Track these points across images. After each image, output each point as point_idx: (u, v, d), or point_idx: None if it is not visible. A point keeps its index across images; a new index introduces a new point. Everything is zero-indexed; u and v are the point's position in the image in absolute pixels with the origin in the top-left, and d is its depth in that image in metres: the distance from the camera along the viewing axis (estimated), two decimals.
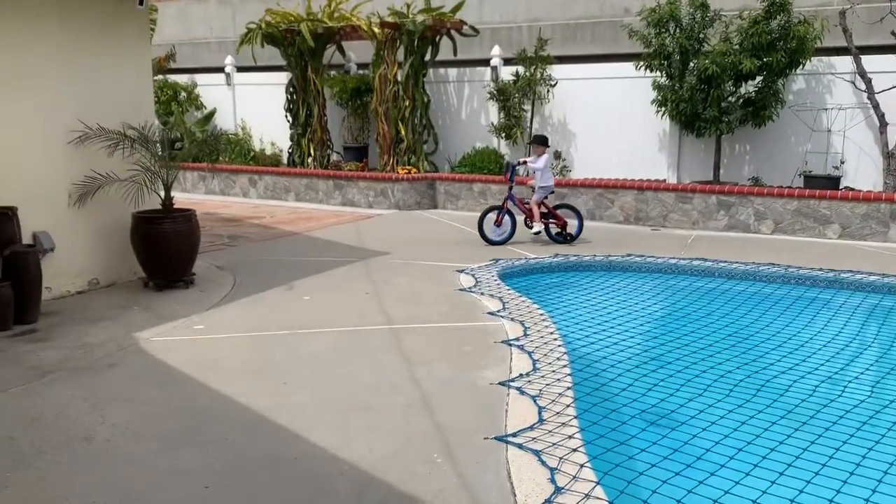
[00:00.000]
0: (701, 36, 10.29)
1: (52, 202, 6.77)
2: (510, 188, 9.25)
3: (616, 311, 6.84)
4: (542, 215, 9.17)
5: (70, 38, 6.87)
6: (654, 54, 10.45)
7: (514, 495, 3.38)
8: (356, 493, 3.44)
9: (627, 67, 11.15)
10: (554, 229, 9.24)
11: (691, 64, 10.31)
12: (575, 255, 8.43)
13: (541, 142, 9.30)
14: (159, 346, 5.53)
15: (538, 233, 9.14)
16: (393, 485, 3.51)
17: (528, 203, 9.20)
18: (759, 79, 10.14)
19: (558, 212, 9.27)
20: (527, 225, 9.26)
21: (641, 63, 10.69)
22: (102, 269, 7.27)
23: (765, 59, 9.79)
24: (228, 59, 15.11)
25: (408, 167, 12.25)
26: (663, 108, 10.68)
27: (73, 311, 6.44)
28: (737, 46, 9.97)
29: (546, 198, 9.20)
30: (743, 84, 10.29)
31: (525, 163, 9.19)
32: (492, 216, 9.13)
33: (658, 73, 10.62)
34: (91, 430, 4.11)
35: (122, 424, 4.19)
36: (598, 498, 3.32)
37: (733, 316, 6.75)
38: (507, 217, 9.14)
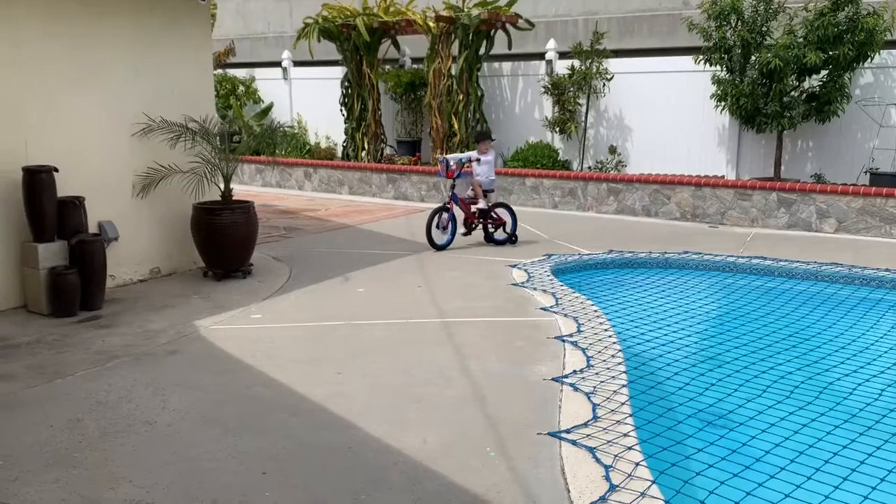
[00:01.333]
0: (764, 29, 10.02)
1: (117, 192, 6.98)
2: (453, 187, 8.65)
3: (672, 309, 6.73)
4: (481, 214, 8.72)
5: (137, 33, 7.07)
6: (714, 48, 10.23)
7: (568, 491, 3.36)
8: (410, 483, 3.47)
9: (686, 61, 10.96)
10: (490, 228, 8.78)
11: (753, 58, 10.05)
12: (630, 252, 8.33)
13: (488, 136, 8.96)
14: (218, 334, 5.66)
15: (482, 210, 8.62)
16: (446, 477, 3.52)
17: (469, 201, 8.69)
18: (823, 73, 9.84)
19: (496, 210, 8.81)
20: (467, 230, 8.73)
21: (701, 57, 10.48)
22: (163, 259, 7.47)
23: (830, 53, 9.50)
24: (285, 54, 15.32)
25: None
26: (723, 103, 10.45)
27: (136, 299, 6.63)
28: (801, 39, 9.69)
29: (486, 195, 8.73)
30: (807, 78, 10.00)
31: (479, 160, 8.59)
32: (436, 219, 8.48)
33: (718, 67, 10.39)
34: (153, 415, 4.23)
35: (183, 410, 4.30)
36: (653, 497, 3.28)
37: (793, 316, 6.57)
38: (450, 219, 8.57)
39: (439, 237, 8.50)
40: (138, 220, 7.16)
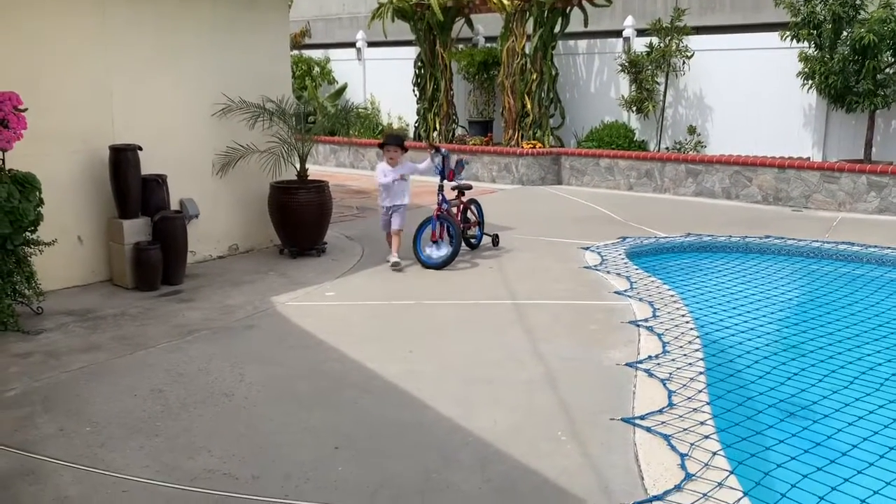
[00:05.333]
0: (857, 2, 9.49)
1: (198, 171, 7.16)
2: (441, 188, 7.06)
3: (753, 295, 6.50)
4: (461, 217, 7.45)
5: (217, 15, 7.20)
6: (802, 23, 9.74)
7: (642, 479, 3.29)
8: (480, 464, 3.45)
9: (771, 38, 10.49)
10: (468, 231, 7.55)
11: (844, 33, 9.54)
12: (709, 236, 8.07)
13: (399, 142, 7.11)
14: (294, 310, 5.77)
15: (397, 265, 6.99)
16: (517, 459, 3.50)
17: (450, 207, 7.23)
18: None
19: (472, 208, 7.65)
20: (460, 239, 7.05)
21: (787, 33, 10.00)
22: (241, 236, 7.64)
23: None
24: (359, 35, 15.40)
25: (533, 142, 12.10)
26: (810, 81, 9.96)
27: (215, 275, 6.81)
28: None
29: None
30: None
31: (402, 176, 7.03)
32: (428, 231, 7.06)
33: (806, 44, 9.91)
34: (231, 388, 4.34)
35: (259, 383, 4.40)
36: (731, 488, 3.18)
37: (884, 305, 6.25)
38: (446, 228, 7.07)
39: (428, 248, 7.07)
40: (218, 199, 7.34)
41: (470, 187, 7.76)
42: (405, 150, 7.06)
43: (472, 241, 7.67)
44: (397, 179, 7.00)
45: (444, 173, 7.14)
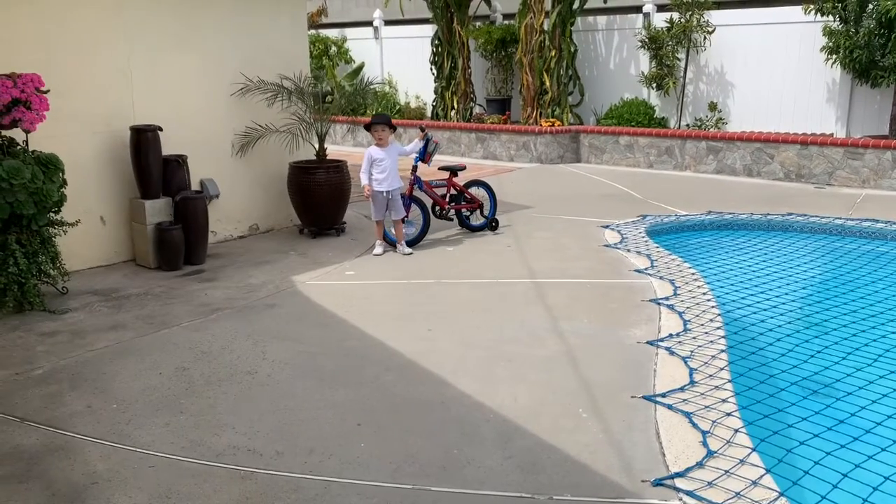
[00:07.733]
0: None
1: (217, 151, 7.19)
2: (414, 169, 7.06)
3: (775, 273, 6.44)
4: (453, 198, 7.38)
5: None
6: None
7: (664, 455, 3.29)
8: (502, 441, 3.47)
9: (794, 12, 10.32)
10: (465, 212, 7.47)
11: (870, 6, 9.35)
12: (730, 213, 8.00)
13: (386, 122, 6.80)
14: (314, 289, 5.80)
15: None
16: (538, 436, 3.52)
17: (437, 187, 7.30)
18: None
19: (471, 190, 7.51)
20: (436, 214, 7.32)
21: (811, 7, 9.83)
22: (261, 216, 7.68)
23: None
24: (376, 13, 15.32)
25: (551, 119, 12.02)
26: (834, 56, 9.80)
27: (236, 255, 6.86)
28: None
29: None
30: None
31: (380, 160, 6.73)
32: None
33: (830, 18, 9.73)
34: (254, 365, 4.39)
35: (282, 361, 4.44)
36: (753, 465, 3.18)
37: None
38: (414, 207, 7.10)
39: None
40: (237, 179, 7.37)
41: (463, 168, 7.67)
42: (393, 129, 6.86)
43: (474, 224, 7.53)
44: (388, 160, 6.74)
45: (423, 156, 7.09)
